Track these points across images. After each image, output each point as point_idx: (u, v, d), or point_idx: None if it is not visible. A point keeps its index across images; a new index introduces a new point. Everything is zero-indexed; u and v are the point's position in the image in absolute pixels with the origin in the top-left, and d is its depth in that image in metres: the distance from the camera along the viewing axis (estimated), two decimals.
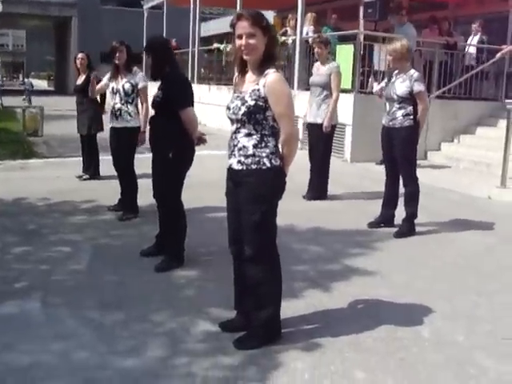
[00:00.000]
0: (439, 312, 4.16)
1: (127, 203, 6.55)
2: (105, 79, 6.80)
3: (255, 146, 3.38)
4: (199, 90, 16.97)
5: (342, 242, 5.83)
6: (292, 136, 3.43)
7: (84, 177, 8.67)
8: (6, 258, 5.13)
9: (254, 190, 3.38)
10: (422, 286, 4.73)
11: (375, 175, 8.56)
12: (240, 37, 3.34)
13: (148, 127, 5.37)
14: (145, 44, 5.14)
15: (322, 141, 7.58)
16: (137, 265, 5.03)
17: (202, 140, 5.13)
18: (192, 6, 18.34)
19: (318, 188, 7.66)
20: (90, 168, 8.71)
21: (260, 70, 3.40)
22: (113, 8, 38.41)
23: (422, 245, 5.91)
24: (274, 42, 3.48)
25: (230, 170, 3.54)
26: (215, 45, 17.28)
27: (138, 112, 6.49)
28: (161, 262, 4.92)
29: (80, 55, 8.61)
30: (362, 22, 11.18)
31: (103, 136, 7.71)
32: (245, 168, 3.42)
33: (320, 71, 7.61)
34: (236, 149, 3.47)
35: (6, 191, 7.66)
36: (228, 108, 3.50)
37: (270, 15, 23.18)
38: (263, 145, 3.38)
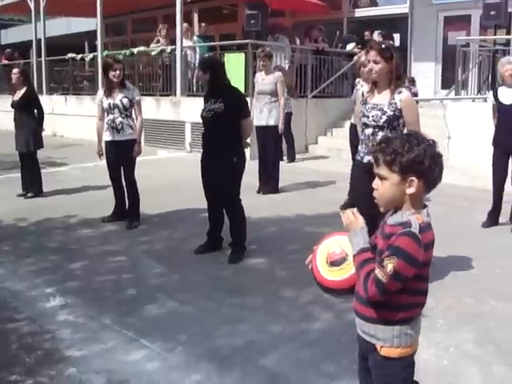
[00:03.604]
0: None
1: (132, 212, 6.88)
2: (99, 96, 7.01)
3: None
4: (51, 101, 16.79)
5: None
6: None
7: (29, 194, 8.59)
8: (76, 274, 5.34)
9: None
10: None
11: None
12: (369, 62, 4.28)
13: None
14: (199, 62, 5.67)
15: (274, 141, 8.47)
16: (204, 261, 5.57)
17: (246, 144, 5.80)
18: (33, 15, 17.95)
19: (271, 183, 8.54)
20: (33, 185, 8.65)
21: (390, 87, 4.33)
22: None
23: None
24: (400, 66, 4.42)
25: (369, 164, 4.40)
26: (70, 54, 17.10)
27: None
28: (233, 255, 5.54)
29: (15, 70, 8.54)
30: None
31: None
32: None
33: (266, 80, 8.52)
34: None
35: None
36: (366, 116, 4.37)
37: (94, 23, 23.25)
38: None
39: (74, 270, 5.41)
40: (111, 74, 6.65)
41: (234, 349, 3.84)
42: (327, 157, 12.23)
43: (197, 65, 5.79)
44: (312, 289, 4.61)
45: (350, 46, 14.30)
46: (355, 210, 2.33)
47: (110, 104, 6.73)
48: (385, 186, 2.22)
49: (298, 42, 14.01)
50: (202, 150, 5.78)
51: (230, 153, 5.44)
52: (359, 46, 13.84)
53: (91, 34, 26.06)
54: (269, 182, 8.55)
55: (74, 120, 15.86)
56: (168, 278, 5.20)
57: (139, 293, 4.83)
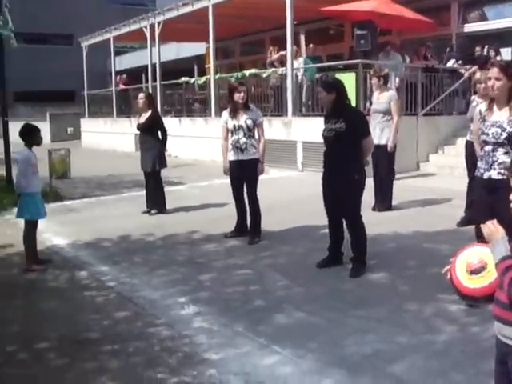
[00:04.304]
0: None
1: (254, 228, 7.18)
2: (223, 118, 7.36)
3: None
4: (165, 123, 17.55)
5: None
6: None
7: (153, 211, 9.11)
8: (206, 285, 5.68)
9: None
10: None
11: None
12: (490, 79, 4.35)
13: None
14: (323, 83, 5.92)
15: (386, 159, 8.56)
16: (326, 275, 5.76)
17: (367, 162, 5.98)
18: (149, 42, 18.99)
19: (385, 200, 8.63)
20: (157, 203, 9.17)
21: (510, 104, 4.39)
22: (29, 47, 37.76)
23: None
24: None
25: (489, 180, 4.48)
26: (183, 78, 17.93)
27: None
28: (354, 270, 5.71)
29: (141, 95, 9.13)
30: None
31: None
32: (505, 178, 4.35)
33: (380, 100, 8.67)
34: (496, 164, 4.42)
35: (94, 231, 8.02)
36: (486, 133, 4.45)
37: (202, 47, 24.21)
38: None
39: (204, 282, 5.75)
40: (236, 96, 7.00)
41: (362, 356, 4.00)
42: (439, 174, 12.13)
43: (319, 86, 5.98)
44: (435, 303, 4.73)
45: (450, 63, 14.17)
46: (495, 221, 2.47)
47: (234, 125, 7.07)
48: None
49: (407, 59, 14.02)
50: (323, 169, 5.99)
51: (351, 171, 5.63)
52: (459, 62, 13.72)
53: (200, 58, 27.16)
54: (384, 200, 8.63)
55: (187, 141, 16.56)
56: (293, 290, 5.43)
57: (267, 303, 5.08)
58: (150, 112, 9.01)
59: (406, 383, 3.64)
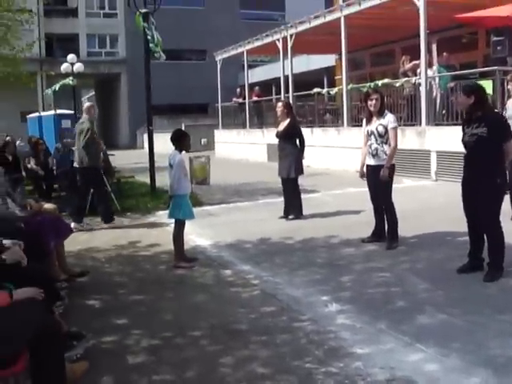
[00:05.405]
0: None
1: (391, 233, 7.28)
2: (364, 124, 7.53)
3: None
4: None
5: None
6: None
7: (290, 217, 9.41)
8: (347, 286, 5.86)
9: None
10: None
11: None
12: None
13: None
14: (464, 86, 5.98)
15: None
16: (466, 280, 5.77)
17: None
18: (281, 54, 19.51)
19: None
20: (294, 209, 9.45)
21: None
22: (159, 62, 39.75)
23: None
24: None
25: None
26: (315, 89, 18.28)
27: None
28: (489, 274, 5.71)
29: (279, 104, 9.50)
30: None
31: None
32: None
33: None
34: None
35: (234, 234, 8.46)
36: None
37: (332, 59, 24.41)
38: None
39: (344, 283, 5.94)
40: (369, 103, 7.18)
41: (509, 359, 4.02)
42: None
43: (461, 90, 6.01)
44: None
45: None
46: None
47: (368, 131, 7.26)
48: None
49: None
50: (463, 173, 6.00)
51: (493, 174, 5.62)
52: None
53: (329, 70, 27.41)
54: None
55: (319, 150, 16.80)
56: (434, 293, 5.49)
57: (408, 304, 5.19)
58: (288, 120, 9.33)
59: None
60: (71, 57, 22.93)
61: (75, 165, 9.86)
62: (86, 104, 10.23)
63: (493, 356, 4.08)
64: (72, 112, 21.34)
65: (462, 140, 5.94)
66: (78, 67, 23.05)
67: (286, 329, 4.79)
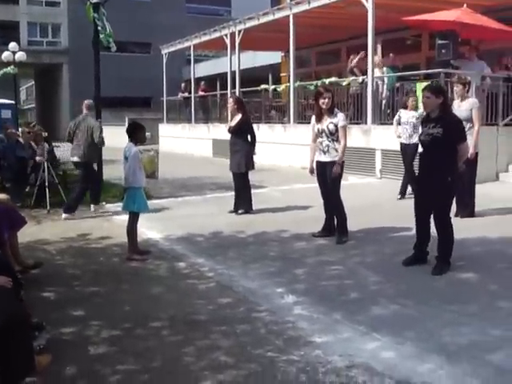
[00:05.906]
0: None
1: (341, 228, 7.47)
2: (312, 121, 7.69)
3: None
4: None
5: None
6: None
7: (239, 211, 9.50)
8: (301, 278, 6.01)
9: None
10: None
11: None
12: None
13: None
14: (431, 87, 6.19)
15: (469, 166, 8.66)
16: (414, 273, 6.01)
17: (462, 167, 6.22)
18: (229, 50, 19.58)
19: (468, 207, 8.76)
20: (244, 203, 9.55)
21: None
22: (102, 54, 39.14)
23: None
24: None
25: None
26: (262, 86, 18.41)
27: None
28: (437, 268, 5.96)
29: (230, 100, 9.58)
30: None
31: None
32: None
33: (461, 107, 8.80)
34: None
35: (185, 227, 8.48)
36: None
37: (277, 56, 24.66)
38: None
39: (298, 275, 6.09)
40: (320, 101, 7.34)
41: (459, 346, 4.23)
42: None
43: (427, 90, 6.20)
44: None
45: None
46: None
47: (318, 129, 7.42)
48: None
49: (488, 69, 13.99)
50: (418, 170, 6.25)
51: (445, 173, 5.87)
52: None
53: (274, 67, 27.65)
54: (467, 207, 8.76)
55: (266, 147, 16.90)
56: (384, 285, 5.70)
57: (361, 296, 5.38)
58: (240, 115, 9.42)
59: (508, 372, 3.84)
60: (13, 45, 22.37)
61: (75, 159, 9.74)
62: (87, 101, 10.28)
63: (444, 344, 4.28)
64: (13, 102, 20.84)
65: (419, 138, 6.20)
66: (20, 56, 22.52)
67: (245, 319, 4.89)
